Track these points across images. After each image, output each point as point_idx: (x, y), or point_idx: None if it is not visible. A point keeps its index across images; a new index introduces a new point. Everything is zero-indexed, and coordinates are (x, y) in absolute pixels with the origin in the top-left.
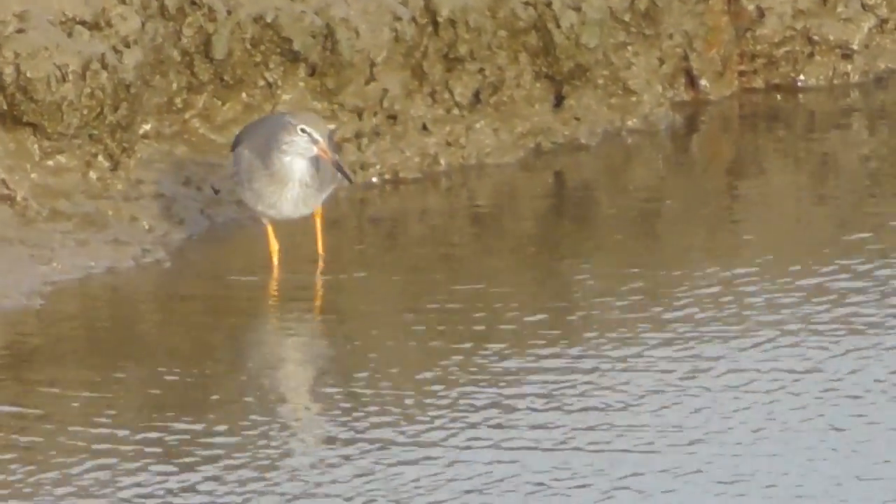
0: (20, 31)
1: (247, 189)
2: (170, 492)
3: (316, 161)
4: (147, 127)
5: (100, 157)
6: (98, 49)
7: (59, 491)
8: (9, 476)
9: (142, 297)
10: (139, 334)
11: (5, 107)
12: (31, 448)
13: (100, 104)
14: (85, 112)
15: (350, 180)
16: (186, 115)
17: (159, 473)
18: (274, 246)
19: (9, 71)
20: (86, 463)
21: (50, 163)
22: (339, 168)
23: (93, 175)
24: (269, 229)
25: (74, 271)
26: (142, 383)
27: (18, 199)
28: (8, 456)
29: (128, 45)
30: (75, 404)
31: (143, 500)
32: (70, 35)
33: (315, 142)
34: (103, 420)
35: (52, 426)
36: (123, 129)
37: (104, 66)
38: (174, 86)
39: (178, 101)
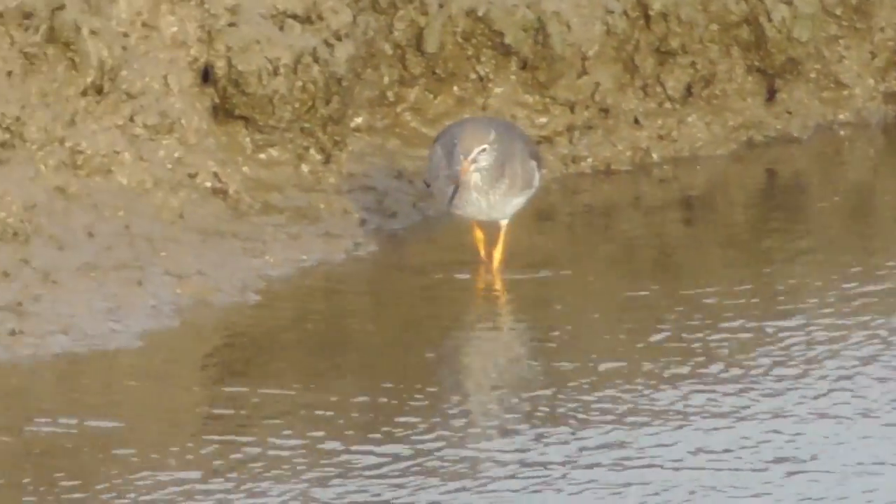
0: (232, 24)
1: (434, 186)
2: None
3: (501, 167)
4: (359, 120)
5: (312, 151)
6: (310, 43)
7: (276, 494)
8: (227, 478)
9: (355, 291)
10: (353, 328)
11: (217, 100)
12: (247, 446)
13: (311, 98)
14: (297, 105)
15: (451, 203)
16: (398, 109)
17: (383, 477)
18: (479, 235)
19: (221, 64)
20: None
21: (262, 156)
22: (454, 190)
23: (305, 168)
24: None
25: (287, 265)
26: (357, 378)
27: (231, 192)
28: (230, 456)
29: (339, 39)
30: (290, 399)
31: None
32: (281, 29)
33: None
34: (321, 415)
35: (267, 422)
36: (335, 122)
37: (316, 60)
38: (386, 79)
39: (389, 94)
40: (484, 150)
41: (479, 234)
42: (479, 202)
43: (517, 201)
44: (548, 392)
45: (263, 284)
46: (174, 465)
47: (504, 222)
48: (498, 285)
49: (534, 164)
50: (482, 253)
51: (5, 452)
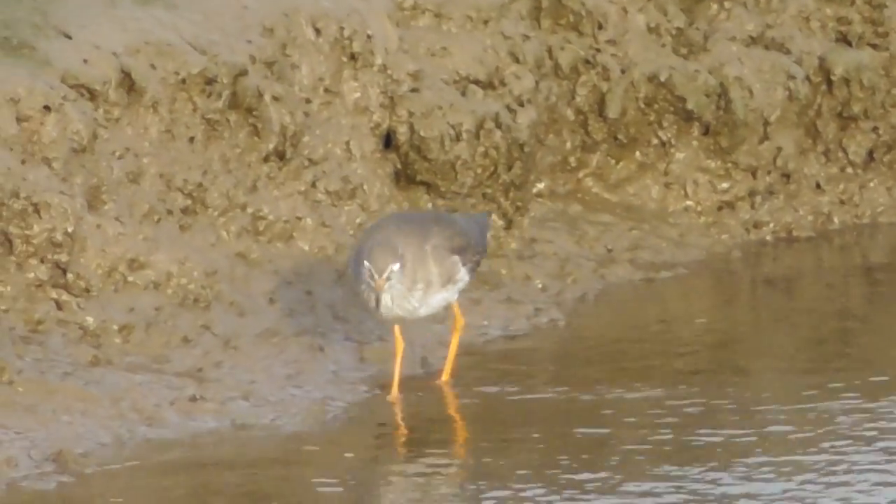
0: (414, 90)
1: (357, 289)
2: None
3: (413, 275)
4: (540, 186)
5: (494, 216)
6: (492, 108)
7: None
8: None
9: (537, 358)
10: (535, 399)
11: (399, 166)
12: None
13: (493, 163)
14: (479, 171)
15: (375, 310)
16: (580, 174)
17: None
18: (399, 347)
19: (403, 130)
20: None
21: None
22: (376, 298)
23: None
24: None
25: (469, 331)
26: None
27: None
28: None
29: (521, 104)
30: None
31: None
32: (464, 94)
33: (372, 278)
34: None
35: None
36: (517, 187)
37: (498, 125)
38: (568, 145)
39: (571, 159)
40: (396, 269)
41: (399, 346)
42: (400, 309)
43: (443, 296)
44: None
45: (446, 350)
46: None
47: (452, 304)
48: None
49: (455, 258)
50: (397, 362)
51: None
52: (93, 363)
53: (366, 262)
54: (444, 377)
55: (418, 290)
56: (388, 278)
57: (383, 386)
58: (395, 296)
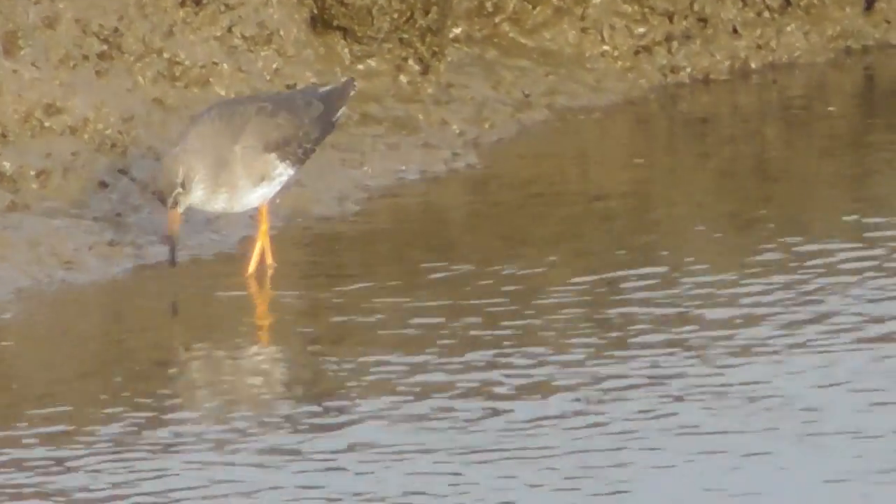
0: None
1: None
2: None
3: (215, 180)
4: (457, 31)
5: (410, 62)
6: None
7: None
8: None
9: (452, 203)
10: (449, 240)
11: (316, 11)
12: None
13: (410, 8)
14: (395, 16)
15: (173, 264)
16: (497, 19)
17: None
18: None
19: None
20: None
21: (360, 67)
22: (171, 250)
23: (403, 79)
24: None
25: (386, 175)
26: (449, 288)
27: None
28: (326, 367)
29: None
30: (385, 309)
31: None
32: None
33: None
34: (413, 322)
35: (365, 330)
36: (433, 33)
37: None
38: None
39: (488, 4)
40: (180, 191)
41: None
42: (210, 209)
43: (260, 193)
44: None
45: (362, 195)
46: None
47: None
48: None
49: (271, 156)
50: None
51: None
52: (10, 208)
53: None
54: (251, 270)
55: (222, 193)
56: (175, 202)
57: (294, 225)
58: (196, 202)
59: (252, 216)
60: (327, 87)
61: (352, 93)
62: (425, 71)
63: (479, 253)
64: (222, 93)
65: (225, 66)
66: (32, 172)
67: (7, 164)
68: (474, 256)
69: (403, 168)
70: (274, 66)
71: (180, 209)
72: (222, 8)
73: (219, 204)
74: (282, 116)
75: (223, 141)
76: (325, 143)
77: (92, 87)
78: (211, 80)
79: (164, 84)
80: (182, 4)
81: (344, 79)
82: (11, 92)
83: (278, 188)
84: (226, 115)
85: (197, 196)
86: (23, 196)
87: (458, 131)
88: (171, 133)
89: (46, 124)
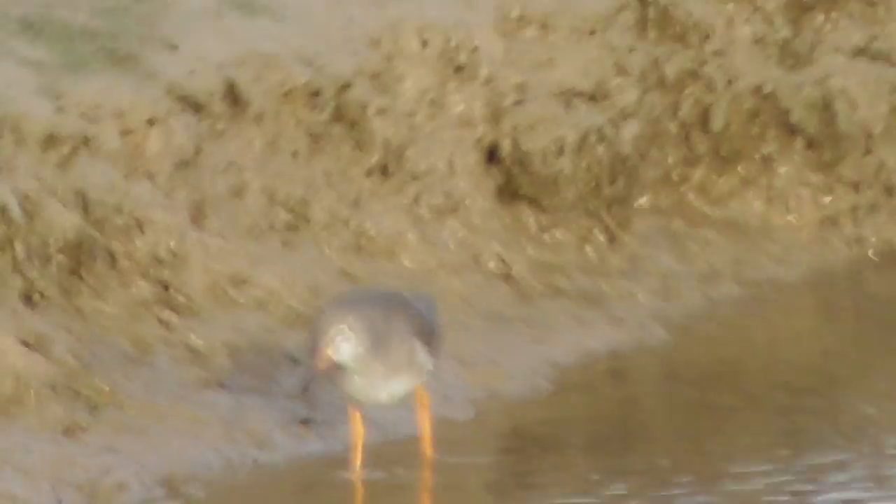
0: (518, 103)
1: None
2: None
3: (375, 349)
4: (643, 200)
5: (596, 232)
6: (596, 121)
7: None
8: None
9: (642, 378)
10: (642, 419)
11: (502, 180)
12: None
13: (596, 177)
14: (581, 185)
15: (304, 397)
16: (682, 189)
17: None
18: (359, 430)
19: (506, 143)
20: None
21: (546, 237)
22: (309, 380)
23: (589, 250)
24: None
25: (575, 351)
26: (646, 475)
27: (515, 275)
28: None
29: (625, 118)
30: (579, 493)
31: None
32: (568, 107)
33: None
34: None
35: None
36: (620, 202)
37: (601, 139)
38: (670, 159)
39: (674, 174)
40: (342, 334)
41: (359, 429)
42: (355, 384)
43: (406, 382)
44: None
45: (551, 370)
46: None
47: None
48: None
49: (419, 344)
50: (358, 455)
51: None
52: (202, 384)
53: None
54: (428, 452)
55: (377, 366)
56: (332, 341)
57: (486, 405)
58: (349, 357)
59: (445, 394)
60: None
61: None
62: (611, 242)
63: (668, 442)
64: (408, 264)
65: (411, 236)
66: (222, 347)
67: (197, 339)
68: (661, 445)
69: (592, 342)
70: (460, 235)
71: (333, 353)
72: (409, 178)
73: (370, 375)
74: (416, 309)
75: (380, 323)
76: (511, 317)
77: (279, 257)
78: (397, 250)
79: (351, 255)
80: (369, 174)
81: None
82: (199, 263)
83: (424, 378)
84: (369, 301)
85: (354, 352)
86: (213, 372)
87: (645, 304)
88: None
89: (234, 296)
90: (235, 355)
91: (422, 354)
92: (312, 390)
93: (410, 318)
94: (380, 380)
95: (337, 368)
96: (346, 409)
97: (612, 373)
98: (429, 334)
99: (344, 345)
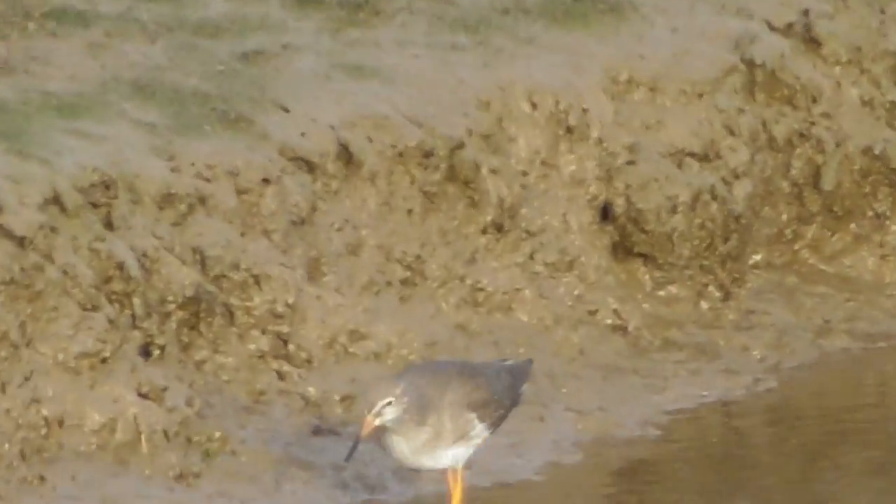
0: (630, 162)
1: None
2: None
3: (422, 417)
4: (757, 257)
5: (710, 288)
6: (708, 180)
7: None
8: None
9: (754, 429)
10: (753, 468)
11: (617, 238)
12: None
13: (710, 235)
14: (695, 242)
15: (347, 459)
16: (796, 246)
17: None
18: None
19: (620, 202)
20: None
21: (661, 293)
22: (352, 445)
23: (704, 305)
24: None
25: (686, 400)
26: None
27: (630, 329)
28: None
29: (737, 177)
30: None
31: None
32: (680, 166)
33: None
34: None
35: None
36: (733, 259)
37: (714, 197)
38: (783, 217)
39: (787, 231)
40: (389, 403)
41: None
42: (400, 449)
43: (453, 452)
44: None
45: (664, 419)
46: None
47: (456, 470)
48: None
49: (472, 415)
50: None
51: None
52: (315, 433)
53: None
54: None
55: (424, 433)
56: (380, 414)
57: (597, 450)
58: (397, 425)
59: (556, 441)
60: (510, 362)
61: (530, 370)
62: (726, 297)
63: (776, 488)
64: (524, 319)
65: (527, 291)
66: (336, 398)
67: (312, 390)
68: (769, 492)
69: (705, 393)
70: (575, 292)
71: (378, 421)
72: (524, 235)
73: (417, 441)
74: (480, 380)
75: (432, 392)
76: (625, 369)
77: (395, 312)
78: (513, 306)
79: (467, 310)
80: (484, 232)
81: (523, 360)
82: (316, 318)
83: (471, 452)
84: (430, 371)
85: (399, 418)
86: (327, 421)
87: (758, 357)
88: (476, 360)
89: (350, 350)
90: (349, 405)
91: (477, 427)
92: (355, 455)
93: (470, 391)
94: (424, 446)
95: (384, 435)
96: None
97: (722, 421)
98: (488, 407)
99: (389, 411)
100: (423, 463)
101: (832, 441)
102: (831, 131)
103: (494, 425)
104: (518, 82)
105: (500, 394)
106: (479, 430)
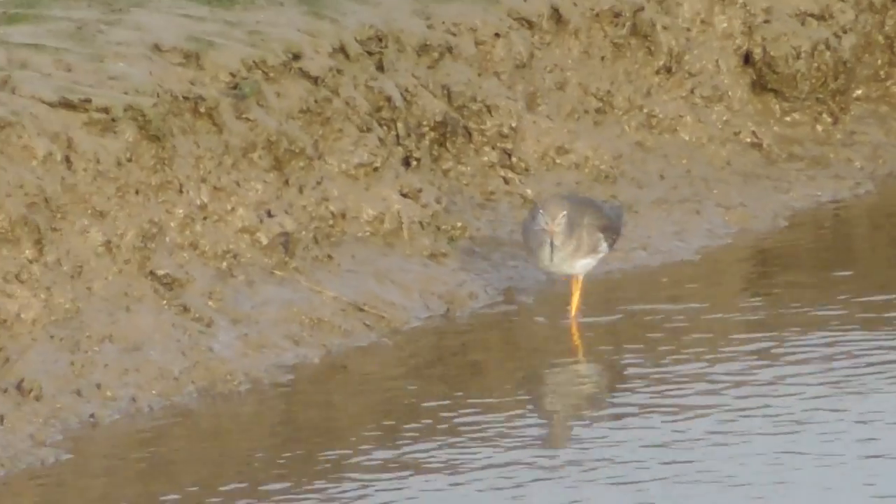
0: (766, 21)
1: (527, 245)
2: None
3: (571, 233)
4: (858, 92)
5: (823, 115)
6: (823, 35)
7: None
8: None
9: (856, 220)
10: (855, 249)
11: (755, 77)
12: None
13: (824, 75)
14: (813, 81)
15: (551, 250)
16: (888, 84)
17: None
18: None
19: (758, 51)
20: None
21: (787, 119)
22: (551, 242)
23: (818, 127)
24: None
25: (806, 199)
26: (856, 285)
27: (764, 145)
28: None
29: (845, 32)
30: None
31: None
32: (803, 24)
33: (545, 222)
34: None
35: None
36: (841, 93)
37: (828, 48)
38: (878, 61)
39: (881, 72)
40: (564, 216)
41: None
42: (550, 254)
43: (585, 262)
44: None
45: (788, 214)
46: None
47: (579, 276)
48: None
49: (600, 235)
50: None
51: (609, 331)
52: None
53: (541, 211)
54: (573, 313)
55: (570, 245)
56: (559, 224)
57: (739, 237)
58: (557, 245)
59: (709, 229)
60: (617, 203)
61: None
62: (835, 121)
63: (874, 264)
64: (686, 138)
65: (688, 118)
66: (547, 196)
67: (529, 191)
68: (868, 266)
69: (819, 194)
70: (724, 118)
71: (558, 229)
72: (686, 75)
73: (566, 250)
74: (603, 211)
75: (574, 215)
76: (760, 175)
77: (591, 133)
78: (678, 128)
79: (644, 131)
80: (657, 73)
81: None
82: (532, 137)
83: (595, 263)
84: (570, 201)
85: (560, 232)
86: None
87: (859, 166)
88: (650, 168)
89: (558, 161)
90: None
91: (602, 244)
92: (553, 252)
93: (599, 217)
94: (569, 257)
95: (535, 242)
96: (636, 239)
97: (832, 215)
98: (610, 231)
99: (562, 223)
100: (561, 268)
101: None
102: None
103: (610, 245)
104: None
105: (616, 223)
106: (604, 248)
